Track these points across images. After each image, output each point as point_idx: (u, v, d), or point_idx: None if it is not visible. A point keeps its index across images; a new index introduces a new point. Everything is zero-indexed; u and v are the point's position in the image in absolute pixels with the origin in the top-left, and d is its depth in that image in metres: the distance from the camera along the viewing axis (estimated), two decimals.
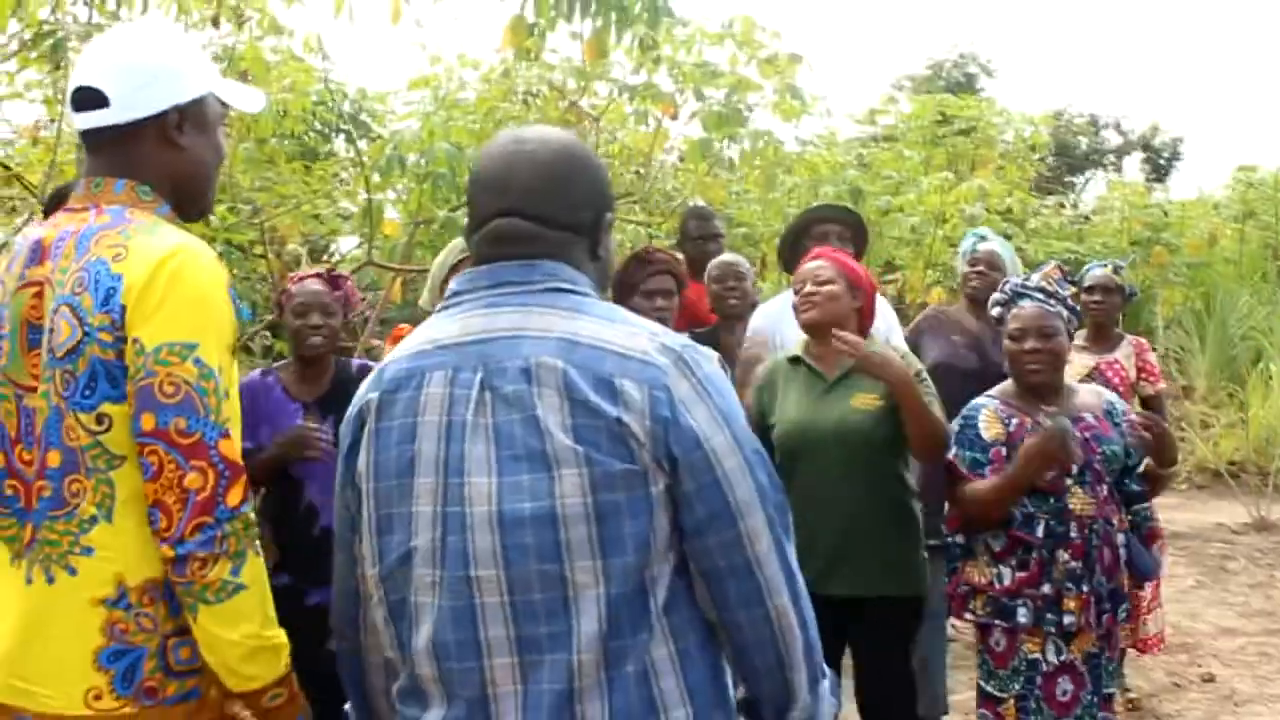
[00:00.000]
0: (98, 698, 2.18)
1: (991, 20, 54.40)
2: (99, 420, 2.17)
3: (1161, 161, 27.34)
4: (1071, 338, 4.10)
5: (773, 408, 4.20)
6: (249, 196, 6.49)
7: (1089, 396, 4.08)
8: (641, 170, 7.46)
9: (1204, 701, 6.17)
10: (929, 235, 9.85)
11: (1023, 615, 3.87)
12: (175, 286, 2.18)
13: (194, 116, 2.37)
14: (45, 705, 2.20)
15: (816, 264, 4.23)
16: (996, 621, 3.93)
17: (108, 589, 2.19)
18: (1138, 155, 27.51)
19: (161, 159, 2.35)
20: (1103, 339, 5.88)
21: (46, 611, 2.21)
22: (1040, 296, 4.03)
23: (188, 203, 2.42)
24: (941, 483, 5.46)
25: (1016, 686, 3.91)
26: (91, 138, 2.35)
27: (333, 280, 4.21)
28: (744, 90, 6.54)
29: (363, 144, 7.28)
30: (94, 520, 2.19)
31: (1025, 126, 12.30)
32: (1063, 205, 15.29)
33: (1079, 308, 4.21)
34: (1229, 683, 6.48)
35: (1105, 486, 3.88)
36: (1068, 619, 3.82)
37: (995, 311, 4.16)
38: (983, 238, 5.83)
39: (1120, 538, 3.91)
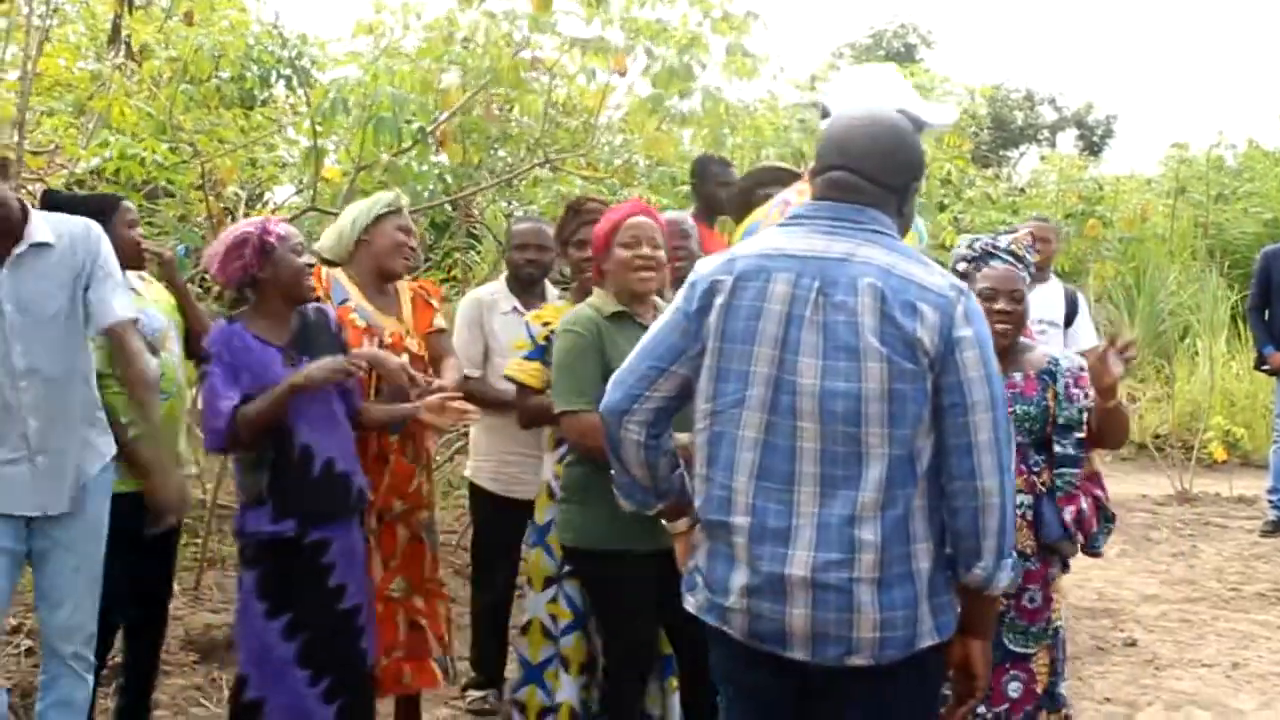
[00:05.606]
0: None
1: None
2: None
3: (1095, 138, 27.66)
4: None
5: (615, 359, 3.71)
6: (189, 138, 6.36)
7: (1037, 357, 4.08)
8: (588, 124, 7.39)
9: (1126, 665, 6.30)
10: None
11: None
12: None
13: None
14: None
15: (644, 223, 4.18)
16: None
17: None
18: (1072, 131, 27.83)
19: None
20: None
21: None
22: (1010, 259, 4.05)
23: None
24: None
25: None
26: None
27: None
28: (697, 49, 6.48)
29: (303, 91, 7.14)
30: None
31: (965, 97, 12.35)
32: (998, 177, 15.39)
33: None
34: (1150, 647, 6.62)
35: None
36: None
37: (960, 268, 4.12)
38: None
39: (1025, 499, 3.93)
